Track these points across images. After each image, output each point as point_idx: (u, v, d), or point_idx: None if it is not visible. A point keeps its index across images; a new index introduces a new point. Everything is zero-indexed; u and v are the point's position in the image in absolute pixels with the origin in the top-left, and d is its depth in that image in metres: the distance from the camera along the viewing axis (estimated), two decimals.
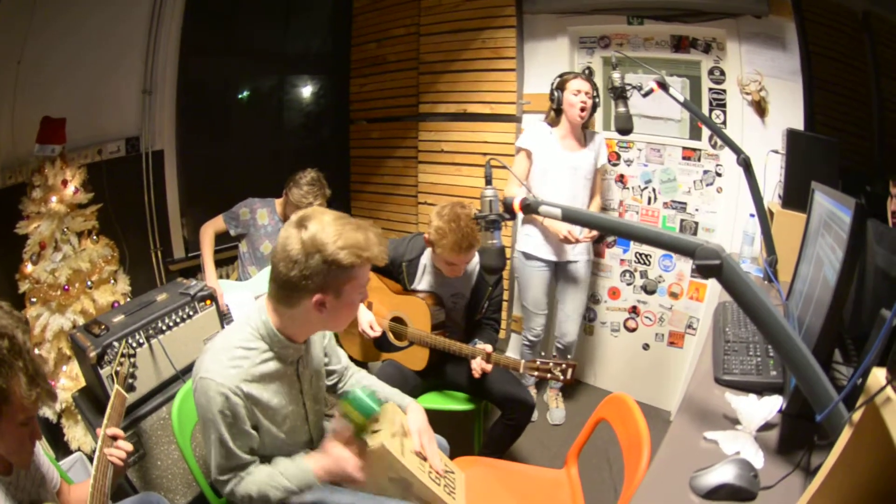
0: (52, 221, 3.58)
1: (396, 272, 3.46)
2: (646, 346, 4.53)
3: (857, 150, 3.35)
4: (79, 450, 3.56)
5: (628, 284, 4.52)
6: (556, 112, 3.91)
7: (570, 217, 1.98)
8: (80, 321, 3.52)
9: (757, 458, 1.64)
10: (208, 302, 3.20)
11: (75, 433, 3.60)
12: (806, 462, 1.61)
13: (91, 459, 3.32)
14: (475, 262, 3.36)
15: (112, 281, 3.83)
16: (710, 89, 4.00)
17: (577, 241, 3.85)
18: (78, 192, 3.67)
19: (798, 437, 1.73)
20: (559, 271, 4.15)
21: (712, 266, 1.46)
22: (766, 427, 1.80)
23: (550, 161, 3.92)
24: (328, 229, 1.85)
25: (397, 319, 3.44)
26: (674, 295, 4.32)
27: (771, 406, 1.83)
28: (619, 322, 4.63)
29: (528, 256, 4.10)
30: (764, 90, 3.74)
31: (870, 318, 1.89)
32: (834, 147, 3.17)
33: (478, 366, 3.09)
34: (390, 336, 3.45)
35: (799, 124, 3.55)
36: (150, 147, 4.76)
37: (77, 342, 2.80)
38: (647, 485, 1.64)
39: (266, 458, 2.15)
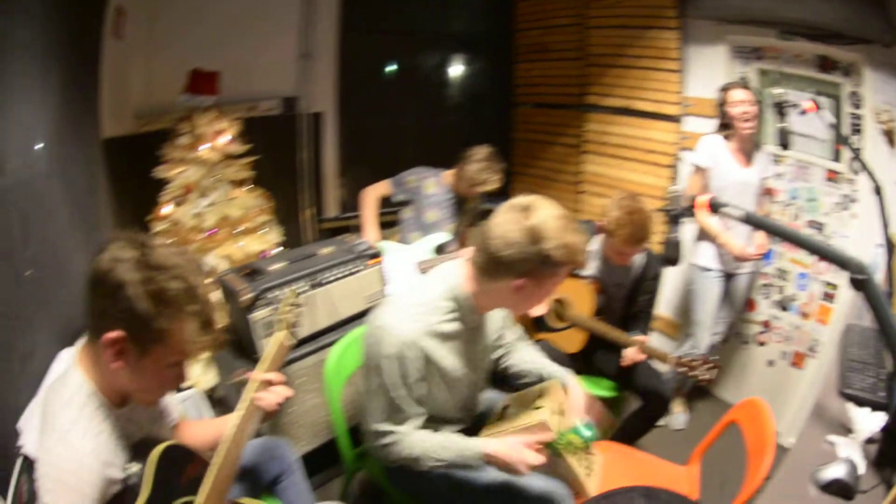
0: (201, 168, 3.61)
1: None
2: (770, 363, 4.35)
3: None
4: (191, 387, 3.53)
5: (765, 298, 4.37)
6: (725, 126, 3.81)
7: (752, 221, 2.09)
8: (223, 266, 3.57)
9: (860, 463, 1.81)
10: (375, 260, 3.20)
11: (192, 370, 3.59)
12: (889, 477, 1.78)
13: (212, 398, 3.48)
14: (640, 255, 3.37)
15: (263, 231, 3.87)
16: (850, 114, 3.82)
17: (751, 258, 3.78)
18: (232, 142, 3.69)
19: (891, 454, 1.85)
20: (729, 281, 4.06)
21: (862, 280, 1.58)
22: (871, 441, 1.93)
23: (723, 177, 3.82)
24: (552, 224, 1.86)
25: (560, 301, 3.41)
26: (804, 315, 4.15)
27: (878, 422, 1.97)
28: (751, 335, 4.47)
29: (705, 269, 4.00)
30: (894, 121, 3.58)
31: None
32: None
33: (631, 354, 3.14)
34: (550, 316, 3.44)
35: None
36: (308, 108, 4.85)
37: (227, 285, 2.81)
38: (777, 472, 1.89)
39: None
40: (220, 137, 3.64)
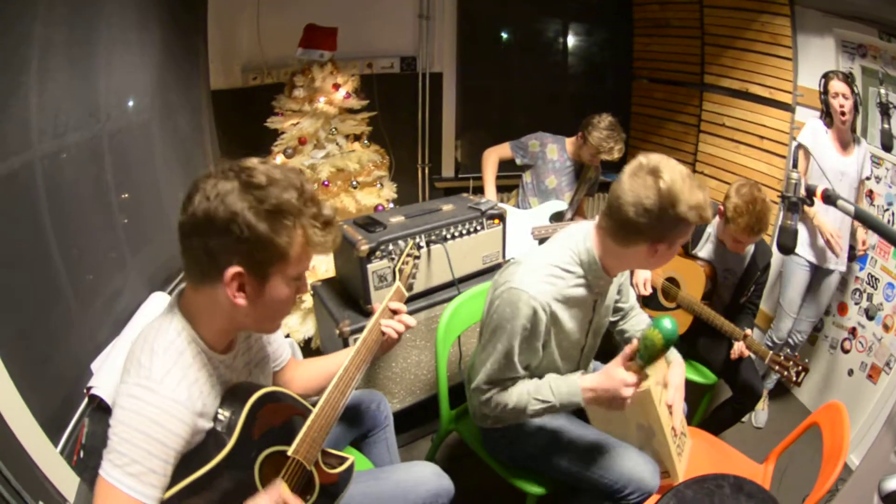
0: (317, 120, 3.66)
1: None
2: (850, 372, 4.23)
3: None
4: (288, 336, 3.61)
5: (856, 304, 4.26)
6: (826, 114, 3.79)
7: (861, 217, 2.06)
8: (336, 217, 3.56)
9: None
10: (497, 221, 3.19)
11: (289, 320, 3.69)
12: None
13: (307, 349, 3.61)
14: (752, 246, 3.34)
15: (378, 185, 3.90)
16: None
17: (838, 249, 3.78)
18: (350, 97, 3.73)
19: None
20: (815, 276, 4.04)
21: None
22: None
23: (822, 161, 3.78)
24: (683, 186, 1.83)
25: (671, 280, 3.40)
26: (886, 327, 4.01)
27: None
28: (839, 340, 4.35)
29: (795, 257, 3.99)
30: None
31: None
32: None
33: (739, 349, 3.12)
34: (660, 295, 3.43)
35: None
36: (427, 68, 4.90)
37: (345, 234, 2.81)
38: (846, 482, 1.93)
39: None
40: (338, 91, 3.67)
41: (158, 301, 2.32)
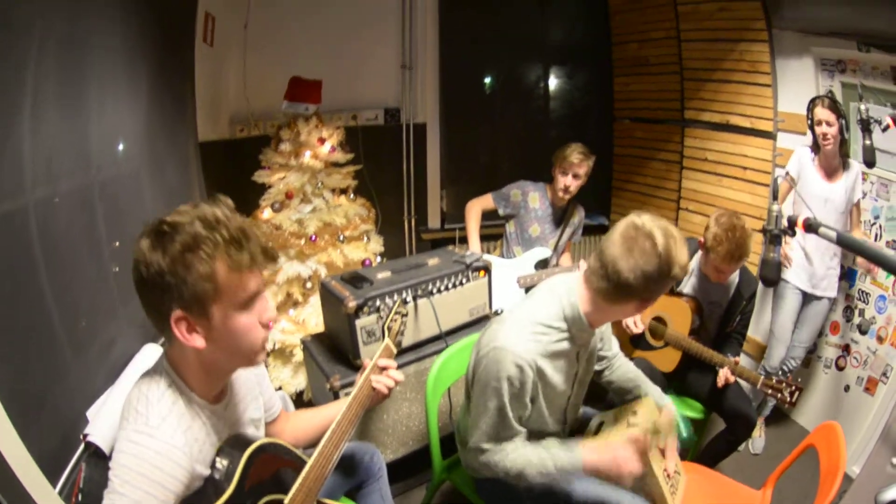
0: (303, 174, 3.69)
1: None
2: (847, 388, 4.28)
3: None
4: (280, 388, 3.65)
5: (847, 321, 4.30)
6: (814, 141, 3.85)
7: (844, 243, 2.03)
8: (323, 272, 3.64)
9: None
10: (482, 273, 3.23)
11: (280, 373, 3.71)
12: None
13: (299, 402, 3.62)
14: (735, 275, 3.38)
15: (365, 239, 3.92)
16: None
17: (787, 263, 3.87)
18: (335, 150, 3.77)
19: None
20: (806, 302, 4.07)
21: None
22: None
23: (805, 189, 3.87)
24: (675, 246, 1.91)
25: (658, 319, 3.42)
26: (880, 339, 4.06)
27: None
28: (832, 359, 4.41)
29: (783, 283, 4.04)
30: None
31: None
32: None
33: (724, 375, 3.13)
34: (647, 335, 3.45)
35: None
36: (411, 119, 4.94)
37: (332, 291, 2.85)
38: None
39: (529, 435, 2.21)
40: (323, 145, 3.71)
41: (151, 352, 2.35)
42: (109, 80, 2.42)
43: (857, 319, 4.17)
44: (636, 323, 3.36)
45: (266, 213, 3.71)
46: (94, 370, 2.10)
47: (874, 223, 4.05)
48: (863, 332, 4.13)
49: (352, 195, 3.91)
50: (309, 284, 3.68)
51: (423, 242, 5.16)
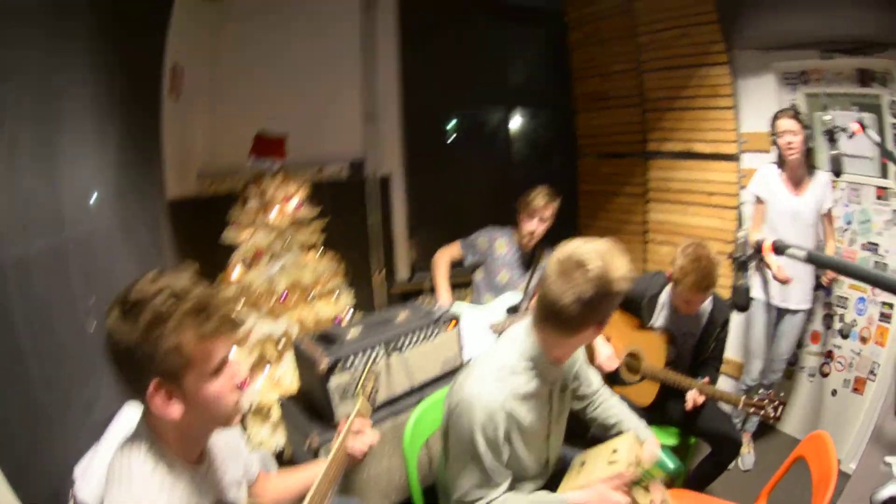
0: (271, 233, 3.68)
1: (637, 307, 3.46)
2: (834, 392, 4.33)
3: None
4: (261, 445, 3.64)
5: (827, 328, 4.37)
6: (778, 156, 3.91)
7: (815, 260, 2.04)
8: (295, 330, 3.63)
9: None
10: (452, 325, 3.22)
11: (258, 431, 3.68)
12: None
13: (280, 460, 3.58)
14: (708, 303, 3.39)
15: (334, 296, 3.91)
16: (893, 124, 3.85)
17: (786, 280, 3.73)
18: (301, 206, 3.78)
19: None
20: (780, 317, 4.09)
21: None
22: None
23: (776, 205, 3.92)
24: (608, 261, 1.91)
25: (632, 354, 3.44)
26: (863, 339, 4.13)
27: None
28: (816, 367, 4.46)
29: (754, 300, 4.06)
30: None
31: None
32: None
33: (692, 396, 3.16)
34: (623, 371, 3.46)
35: None
36: (376, 171, 4.95)
37: (304, 352, 2.84)
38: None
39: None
40: (290, 202, 3.71)
41: (133, 411, 2.32)
42: (80, 137, 2.45)
43: (837, 325, 4.23)
44: (610, 361, 3.35)
45: (236, 272, 3.69)
46: (79, 428, 2.13)
47: (847, 229, 4.12)
48: (844, 336, 4.19)
49: (320, 251, 3.90)
50: (282, 343, 3.66)
51: (394, 294, 5.13)
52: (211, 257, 3.71)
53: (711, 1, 4.49)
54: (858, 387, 4.11)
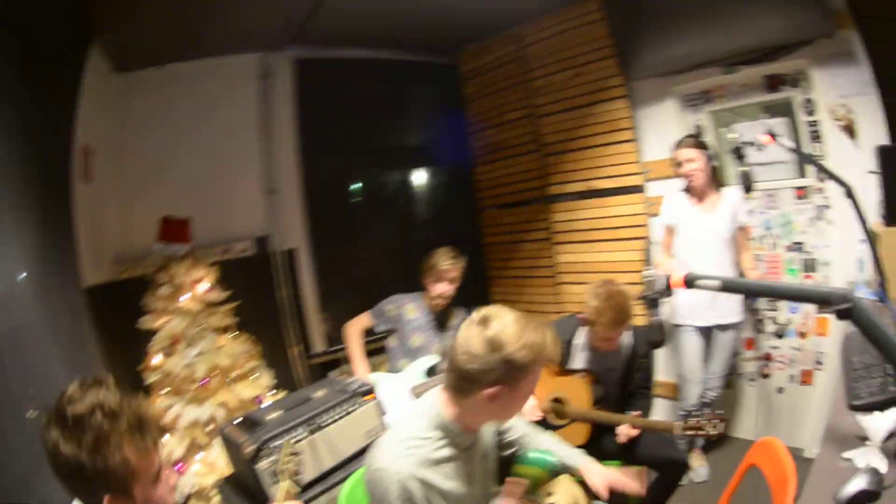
0: (184, 318, 3.68)
1: None
2: (780, 390, 4.43)
3: None
4: None
5: (760, 332, 4.46)
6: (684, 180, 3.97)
7: (729, 287, 2.04)
8: (220, 414, 3.63)
9: (882, 465, 1.80)
10: (369, 396, 3.23)
11: None
12: None
13: None
14: (626, 335, 3.40)
15: (253, 376, 3.91)
16: (807, 122, 3.99)
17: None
18: (211, 290, 3.78)
19: None
20: (711, 337, 4.11)
21: (846, 309, 1.59)
22: (891, 436, 1.95)
23: (689, 229, 3.98)
24: (510, 329, 1.91)
25: (557, 399, 3.43)
26: (802, 335, 4.25)
27: (892, 418, 1.99)
28: (755, 371, 4.55)
29: (681, 327, 4.11)
30: (851, 111, 3.72)
31: None
32: None
33: (623, 430, 3.18)
34: (550, 417, 3.45)
35: (885, 134, 3.59)
36: (281, 246, 4.94)
37: (229, 437, 2.85)
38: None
39: None
40: (199, 286, 3.71)
41: None
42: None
43: (771, 328, 4.32)
44: (533, 412, 3.36)
45: (157, 359, 3.67)
46: None
47: (765, 235, 4.23)
48: (780, 337, 4.28)
49: (234, 333, 3.90)
50: (209, 427, 3.63)
51: (314, 368, 5.07)
52: (132, 344, 3.70)
53: (606, 36, 4.59)
54: (806, 379, 4.22)
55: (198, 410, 3.61)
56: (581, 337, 3.47)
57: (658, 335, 2.34)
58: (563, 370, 3.47)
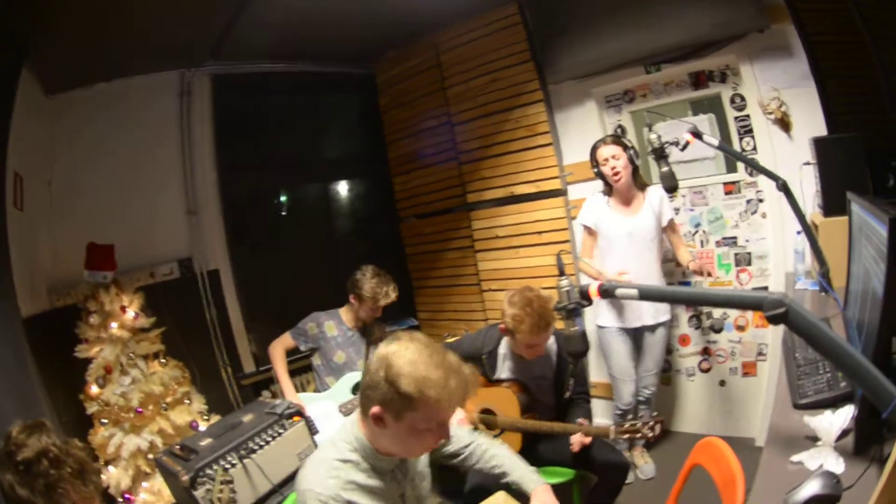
0: (115, 346, 3.68)
1: (477, 366, 3.34)
2: (722, 383, 4.44)
3: (881, 127, 3.33)
4: None
5: (696, 328, 4.48)
6: (605, 182, 3.93)
7: (647, 295, 2.02)
8: (158, 441, 3.62)
9: (838, 466, 1.73)
10: (297, 418, 3.24)
11: None
12: (879, 454, 1.70)
13: None
14: (552, 343, 3.37)
15: (187, 401, 3.91)
16: (736, 118, 4.02)
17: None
18: (138, 316, 3.79)
19: (871, 435, 1.77)
20: (638, 337, 4.11)
21: (780, 314, 1.49)
22: (844, 435, 1.86)
23: (610, 231, 3.94)
24: (407, 355, 1.86)
25: (486, 411, 3.41)
26: (740, 328, 4.28)
27: (844, 416, 1.89)
28: (694, 366, 4.56)
29: (602, 327, 4.09)
30: (784, 105, 3.74)
31: None
32: (857, 144, 3.15)
33: (578, 440, 3.06)
34: (480, 428, 3.41)
35: (822, 126, 3.58)
36: (204, 267, 4.90)
37: (165, 467, 2.86)
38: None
39: None
40: (126, 313, 3.71)
41: None
42: None
43: (707, 322, 4.35)
44: (461, 425, 3.23)
45: (94, 389, 3.66)
46: None
47: (696, 232, 4.26)
48: (717, 331, 4.32)
49: (163, 359, 3.90)
50: (151, 455, 3.62)
51: (245, 388, 5.04)
52: (72, 373, 3.69)
53: (523, 41, 4.61)
54: (749, 370, 4.26)
55: (137, 439, 3.61)
56: (503, 347, 3.45)
57: (580, 345, 2.12)
58: (489, 381, 3.45)
